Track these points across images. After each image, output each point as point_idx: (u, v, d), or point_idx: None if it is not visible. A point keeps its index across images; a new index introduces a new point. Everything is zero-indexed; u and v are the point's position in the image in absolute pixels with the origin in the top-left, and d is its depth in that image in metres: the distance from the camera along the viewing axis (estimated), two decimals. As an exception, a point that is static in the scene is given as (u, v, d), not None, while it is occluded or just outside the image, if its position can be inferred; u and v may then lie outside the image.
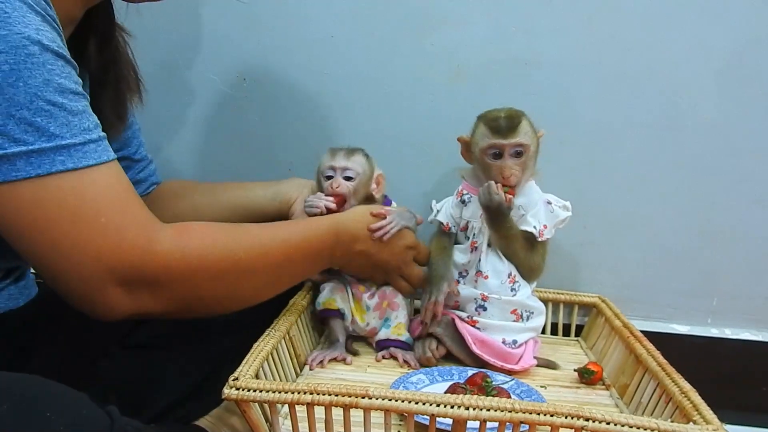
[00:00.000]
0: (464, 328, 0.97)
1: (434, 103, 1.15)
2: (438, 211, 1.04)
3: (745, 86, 1.10)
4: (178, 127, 1.21)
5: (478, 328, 0.97)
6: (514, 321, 0.98)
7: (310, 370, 0.94)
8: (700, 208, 1.14)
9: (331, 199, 0.97)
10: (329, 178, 0.99)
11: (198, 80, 1.18)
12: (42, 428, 0.51)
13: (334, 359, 0.97)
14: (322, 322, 1.03)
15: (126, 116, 0.92)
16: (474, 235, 1.00)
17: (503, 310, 0.97)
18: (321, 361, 0.96)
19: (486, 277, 0.97)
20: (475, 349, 0.95)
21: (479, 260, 0.98)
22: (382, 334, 1.01)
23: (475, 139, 0.98)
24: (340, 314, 1.00)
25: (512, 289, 0.98)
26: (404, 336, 1.01)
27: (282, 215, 1.02)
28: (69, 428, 0.52)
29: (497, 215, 0.95)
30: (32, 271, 0.90)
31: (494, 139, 0.95)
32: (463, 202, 1.01)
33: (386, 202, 1.03)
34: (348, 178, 0.98)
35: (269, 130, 1.19)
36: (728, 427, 1.08)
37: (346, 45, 1.14)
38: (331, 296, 1.01)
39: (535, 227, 0.97)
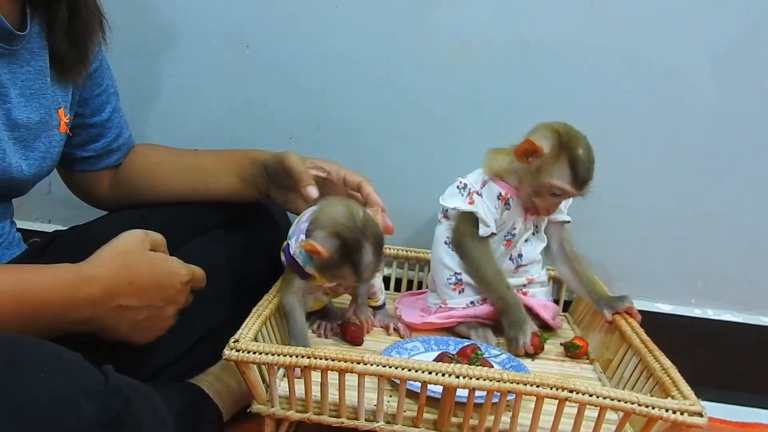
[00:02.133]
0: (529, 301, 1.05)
1: (435, 79, 1.16)
2: (487, 226, 1.01)
3: (743, 74, 1.11)
4: (179, 91, 1.22)
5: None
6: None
7: (319, 337, 0.97)
8: (691, 194, 1.17)
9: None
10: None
11: (200, 46, 1.19)
12: (36, 387, 0.51)
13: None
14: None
15: (87, 58, 0.87)
16: (513, 236, 1.04)
17: (540, 285, 1.09)
18: (325, 329, 0.99)
19: (526, 265, 1.06)
20: (545, 314, 1.05)
21: (519, 255, 1.05)
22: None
23: (550, 169, 0.95)
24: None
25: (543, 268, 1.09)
26: (380, 302, 1.04)
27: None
28: (63, 387, 0.53)
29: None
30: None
31: (572, 188, 0.96)
32: (507, 205, 1.03)
33: None
34: None
35: (270, 99, 1.20)
36: (707, 403, 1.12)
37: (350, 15, 1.15)
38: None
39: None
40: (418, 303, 1.11)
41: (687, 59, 1.11)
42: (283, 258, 0.89)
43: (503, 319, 0.99)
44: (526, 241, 1.05)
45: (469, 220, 1.03)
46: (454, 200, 1.04)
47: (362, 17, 1.15)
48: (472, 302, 1.03)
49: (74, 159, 0.97)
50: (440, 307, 1.04)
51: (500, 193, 1.02)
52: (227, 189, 0.99)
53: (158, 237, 0.78)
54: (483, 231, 1.01)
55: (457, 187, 1.05)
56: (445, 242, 1.05)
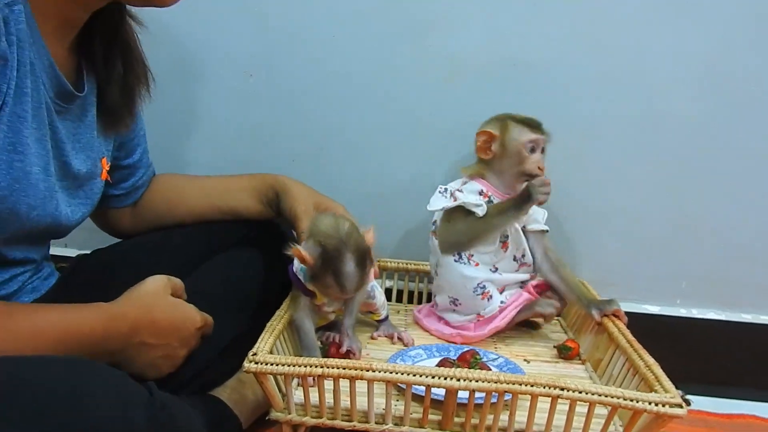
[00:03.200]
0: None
1: (430, 101, 1.22)
2: (479, 206, 1.07)
3: (720, 88, 1.16)
4: (185, 120, 1.27)
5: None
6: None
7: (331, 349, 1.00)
8: (673, 200, 1.22)
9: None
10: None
11: (206, 75, 1.24)
12: (94, 406, 0.57)
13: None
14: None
15: (135, 110, 0.93)
16: (507, 237, 1.09)
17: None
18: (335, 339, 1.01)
19: (528, 265, 1.12)
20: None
21: (523, 255, 1.11)
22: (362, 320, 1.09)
23: (511, 135, 1.07)
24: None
25: None
26: (382, 316, 1.09)
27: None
28: (117, 403, 0.58)
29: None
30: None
31: (534, 134, 1.07)
32: (490, 201, 1.08)
33: None
34: None
35: (274, 124, 1.26)
36: (695, 397, 1.19)
37: (348, 45, 1.20)
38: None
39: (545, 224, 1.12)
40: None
41: (666, 77, 1.17)
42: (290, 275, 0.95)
43: (519, 207, 1.05)
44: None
45: (456, 215, 1.08)
46: (439, 203, 1.10)
47: (359, 45, 1.20)
48: (502, 302, 1.08)
49: (104, 197, 0.99)
50: (478, 321, 1.09)
51: (481, 190, 1.09)
52: (246, 207, 1.06)
53: (178, 283, 0.86)
54: (480, 211, 1.06)
55: (440, 192, 1.11)
56: (455, 260, 1.08)
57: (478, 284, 1.07)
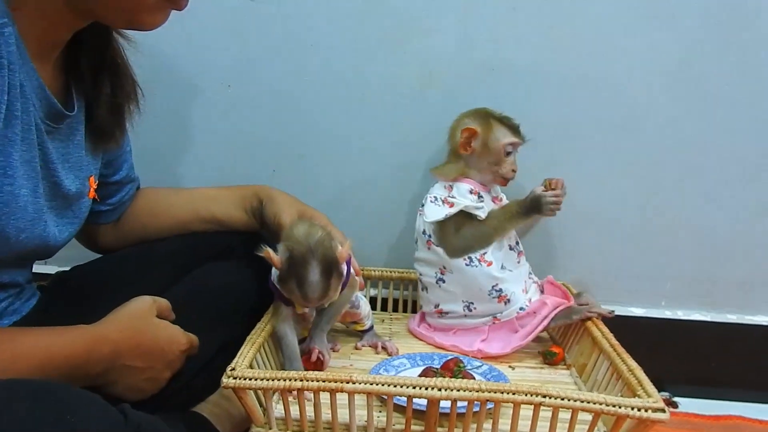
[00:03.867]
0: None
1: (408, 106, 1.22)
2: (478, 209, 1.08)
3: (693, 89, 1.17)
4: (165, 132, 1.25)
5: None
6: None
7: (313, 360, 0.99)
8: (653, 202, 1.22)
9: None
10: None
11: (183, 87, 1.23)
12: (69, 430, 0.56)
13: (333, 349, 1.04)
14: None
15: (125, 127, 0.92)
16: None
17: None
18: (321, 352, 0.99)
19: (522, 252, 1.14)
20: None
21: (517, 243, 1.13)
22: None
23: (495, 135, 1.09)
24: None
25: None
26: (367, 326, 1.09)
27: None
28: (92, 428, 0.57)
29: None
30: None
31: (515, 138, 1.09)
32: (480, 198, 1.09)
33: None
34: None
35: (253, 134, 1.25)
36: (681, 399, 1.19)
37: (325, 53, 1.20)
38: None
39: None
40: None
41: (641, 79, 1.18)
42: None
43: (528, 215, 1.08)
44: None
45: (460, 220, 1.08)
46: (438, 213, 1.08)
47: (336, 54, 1.20)
48: (522, 308, 1.07)
49: (90, 214, 0.97)
50: (493, 323, 1.08)
51: (471, 189, 1.10)
52: (230, 217, 1.06)
53: (164, 303, 0.84)
54: (482, 213, 1.07)
55: (431, 201, 1.11)
56: (467, 264, 1.07)
57: (493, 286, 1.07)
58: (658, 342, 1.24)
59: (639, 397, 0.79)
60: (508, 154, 1.10)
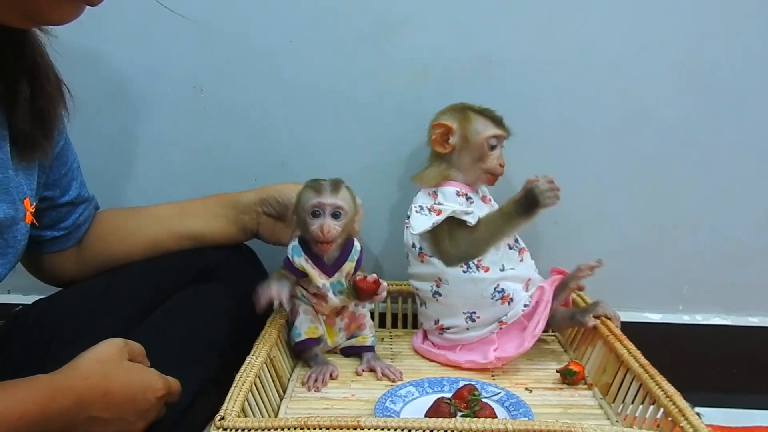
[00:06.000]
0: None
1: (399, 104, 1.14)
2: (468, 214, 1.01)
3: (702, 82, 1.12)
4: (132, 145, 1.17)
5: None
6: None
7: (308, 391, 0.93)
8: (666, 202, 1.16)
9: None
10: (316, 215, 0.93)
11: (152, 94, 1.14)
12: None
13: (330, 376, 0.96)
14: (299, 354, 1.00)
15: (52, 134, 0.81)
16: None
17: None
18: (316, 381, 0.94)
19: (526, 251, 1.06)
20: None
21: (516, 240, 1.05)
22: (347, 343, 1.03)
23: (474, 127, 1.01)
24: (319, 341, 0.99)
25: None
26: (369, 341, 1.03)
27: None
28: None
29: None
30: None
31: (498, 130, 1.02)
32: (469, 199, 1.02)
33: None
34: (336, 215, 0.93)
35: (231, 142, 1.16)
36: (704, 409, 1.12)
37: (307, 49, 1.12)
38: (312, 324, 0.98)
39: None
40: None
41: (646, 72, 1.12)
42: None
43: (527, 213, 0.99)
44: None
45: (451, 227, 1.00)
46: (424, 223, 1.01)
47: (319, 50, 1.12)
48: (525, 305, 0.99)
49: (42, 241, 0.90)
50: (500, 329, 1.01)
51: (457, 191, 1.02)
52: (210, 229, 1.00)
53: (137, 347, 0.76)
54: (472, 218, 0.99)
55: (416, 212, 1.03)
56: (464, 272, 1.00)
57: (494, 288, 1.00)
58: (676, 348, 1.18)
59: (682, 428, 0.71)
60: (493, 147, 1.02)
